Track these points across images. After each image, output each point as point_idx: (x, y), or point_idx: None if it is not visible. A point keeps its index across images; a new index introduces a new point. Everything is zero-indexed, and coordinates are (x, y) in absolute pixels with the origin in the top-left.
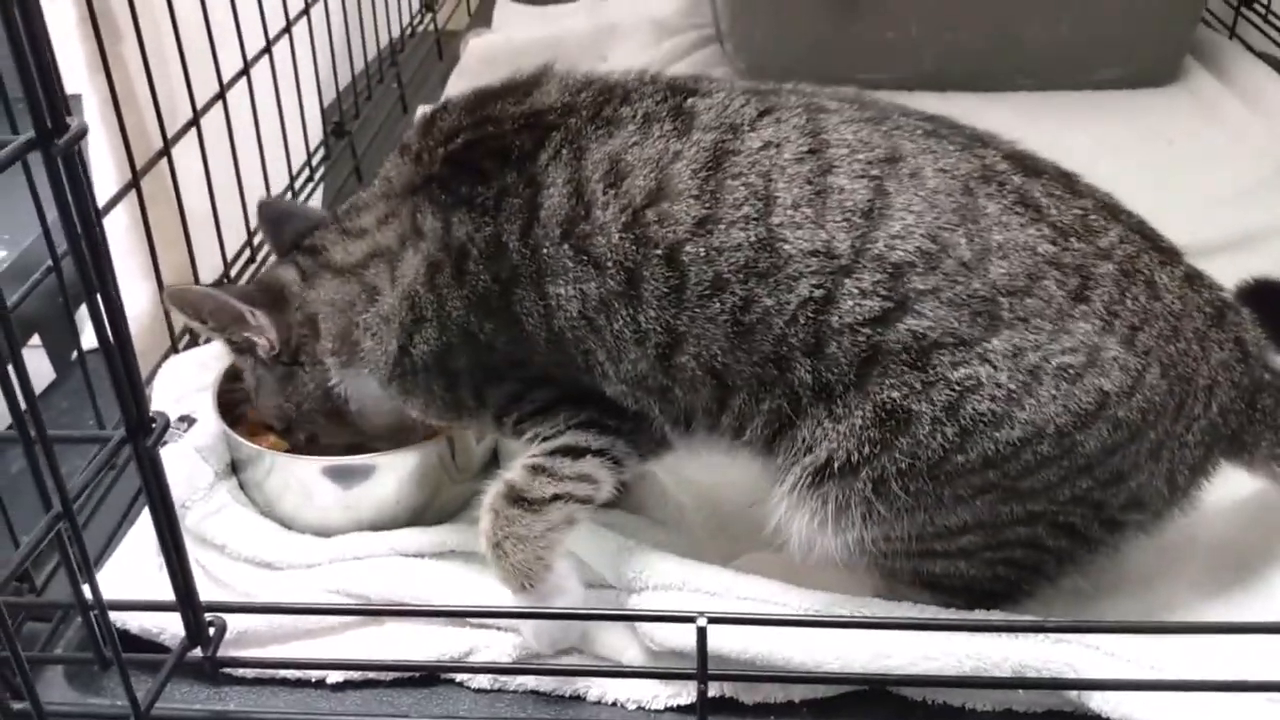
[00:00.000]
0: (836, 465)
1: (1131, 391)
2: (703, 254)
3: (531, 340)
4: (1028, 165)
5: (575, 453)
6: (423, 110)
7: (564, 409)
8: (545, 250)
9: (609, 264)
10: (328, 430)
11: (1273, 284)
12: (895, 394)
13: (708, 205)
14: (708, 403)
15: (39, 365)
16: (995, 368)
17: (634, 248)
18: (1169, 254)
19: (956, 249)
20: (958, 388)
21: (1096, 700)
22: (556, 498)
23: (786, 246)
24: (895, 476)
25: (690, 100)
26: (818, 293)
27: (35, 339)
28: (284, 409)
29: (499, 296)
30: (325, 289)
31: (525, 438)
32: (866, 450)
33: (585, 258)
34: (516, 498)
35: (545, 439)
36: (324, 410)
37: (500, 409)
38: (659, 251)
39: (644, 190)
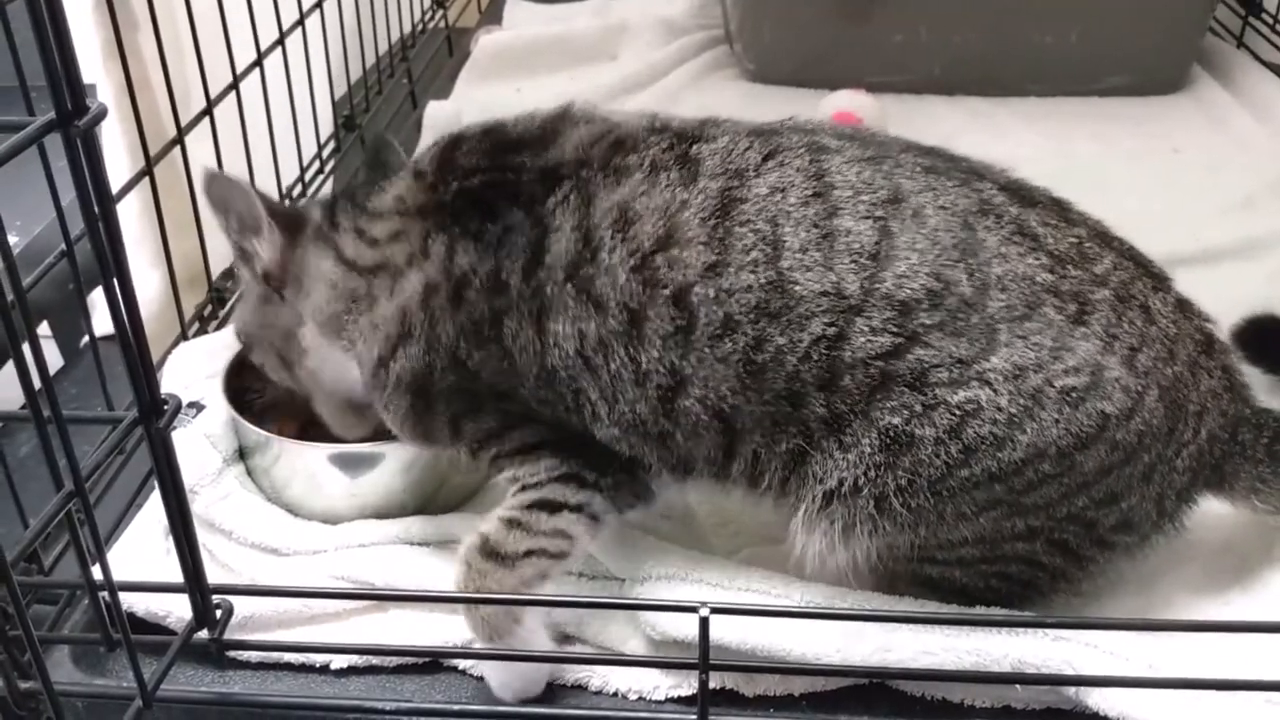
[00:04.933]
0: (845, 489)
1: (1131, 413)
2: (712, 295)
3: (521, 375)
4: (1023, 196)
5: (552, 508)
6: (437, 138)
7: (545, 455)
8: (548, 290)
9: (612, 304)
10: (270, 365)
11: (1271, 320)
12: (897, 419)
13: (717, 251)
14: (711, 451)
15: (48, 354)
16: (995, 390)
17: (641, 289)
18: (1160, 280)
19: (958, 285)
20: (959, 411)
21: (1095, 698)
22: (530, 553)
23: (797, 288)
24: (896, 493)
25: (695, 147)
26: (830, 330)
27: (44, 329)
28: (248, 324)
29: (492, 327)
30: (327, 266)
31: (504, 476)
32: (872, 473)
33: (586, 297)
34: (490, 551)
35: (526, 488)
36: (277, 347)
37: (477, 443)
38: (666, 292)
39: (653, 236)
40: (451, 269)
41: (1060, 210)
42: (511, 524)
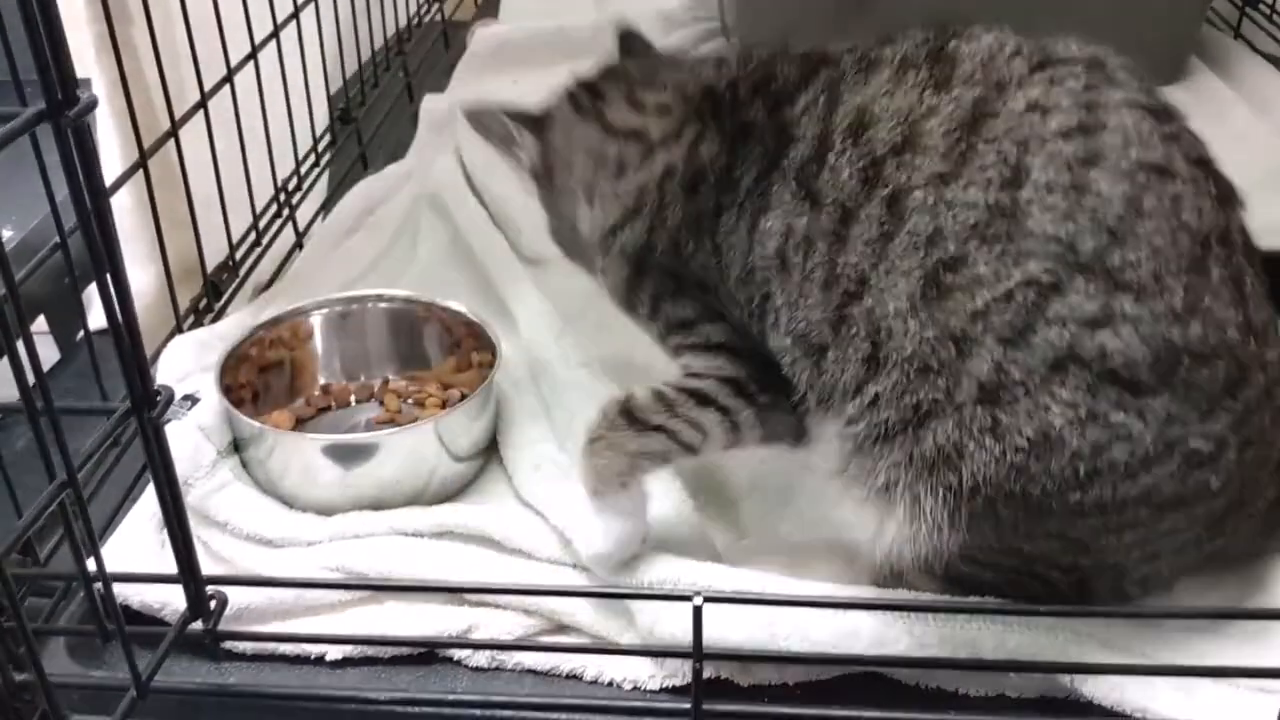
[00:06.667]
0: (973, 485)
1: (1219, 495)
2: (931, 203)
3: (725, 271)
4: (1250, 249)
5: (702, 399)
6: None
7: (722, 356)
8: (775, 188)
9: (828, 201)
10: (583, 265)
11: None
12: (1059, 421)
13: (953, 163)
14: (848, 384)
15: (44, 349)
16: (1147, 426)
17: (860, 187)
18: None
19: (1174, 295)
20: (1110, 432)
21: (1089, 686)
22: (660, 429)
23: (1030, 222)
24: (1005, 499)
25: (953, 44)
26: (1046, 278)
27: (41, 324)
28: (552, 230)
29: (712, 219)
30: (587, 133)
31: (680, 361)
32: (1005, 472)
33: (805, 192)
34: (628, 411)
35: (689, 376)
36: (572, 240)
37: (668, 327)
38: (884, 193)
39: (887, 143)
40: (694, 157)
41: (1261, 280)
42: (659, 397)
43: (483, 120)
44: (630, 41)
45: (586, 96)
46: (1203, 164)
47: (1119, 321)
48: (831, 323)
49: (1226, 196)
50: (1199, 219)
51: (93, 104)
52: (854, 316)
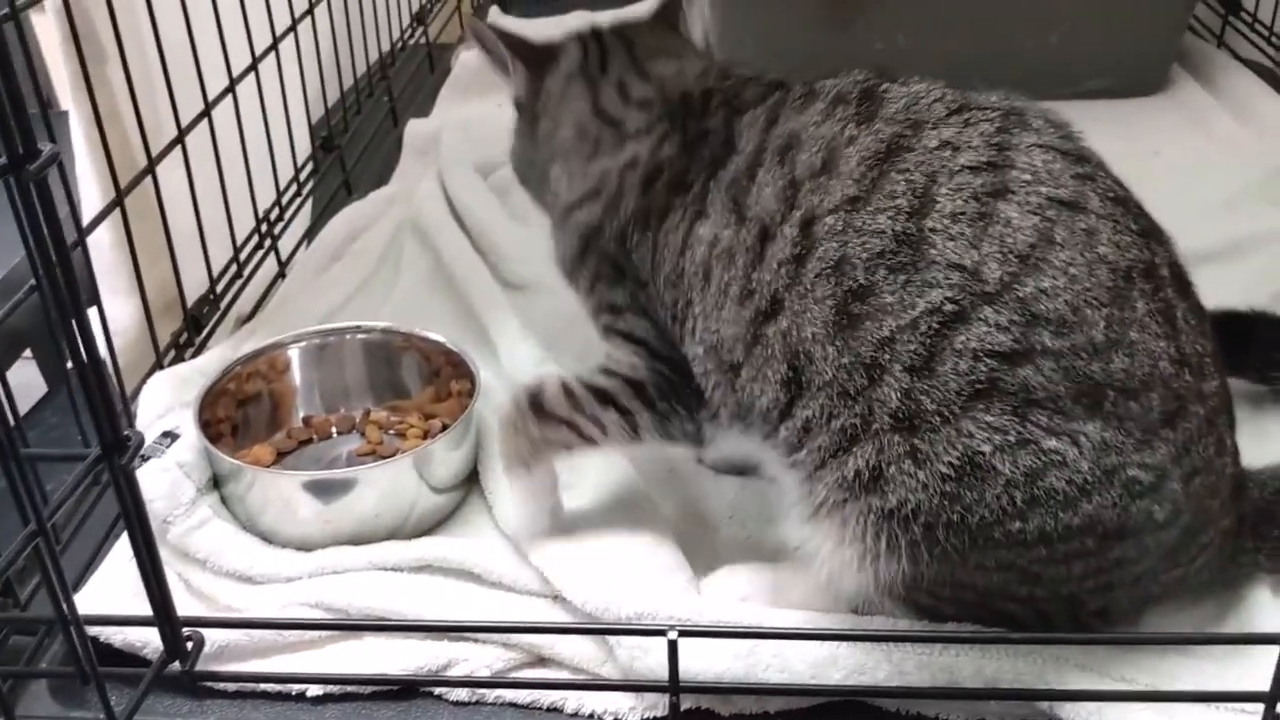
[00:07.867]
0: (905, 512)
1: (1166, 527)
2: (839, 229)
3: (658, 270)
4: (1182, 284)
5: (605, 398)
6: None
7: (638, 354)
8: (711, 196)
9: (751, 216)
10: (535, 200)
11: (1237, 315)
12: (986, 447)
13: (864, 188)
14: (769, 406)
15: (33, 378)
16: (1081, 453)
17: (777, 207)
18: (1233, 421)
19: (1094, 328)
20: (1044, 459)
21: (1068, 711)
22: (563, 422)
23: (932, 251)
24: (944, 527)
25: (885, 86)
26: (949, 306)
27: (29, 351)
28: (514, 158)
29: (658, 218)
30: (581, 108)
31: (605, 346)
32: (936, 501)
33: (733, 205)
34: (535, 402)
35: (603, 371)
36: (534, 184)
37: (599, 308)
38: (799, 214)
39: (808, 165)
40: (656, 154)
41: (1200, 316)
42: (567, 392)
43: (484, 39)
44: (669, 7)
45: (595, 61)
46: (1121, 203)
47: (1038, 355)
48: (745, 341)
49: (1149, 233)
50: (1119, 253)
51: (53, 157)
52: (768, 336)
